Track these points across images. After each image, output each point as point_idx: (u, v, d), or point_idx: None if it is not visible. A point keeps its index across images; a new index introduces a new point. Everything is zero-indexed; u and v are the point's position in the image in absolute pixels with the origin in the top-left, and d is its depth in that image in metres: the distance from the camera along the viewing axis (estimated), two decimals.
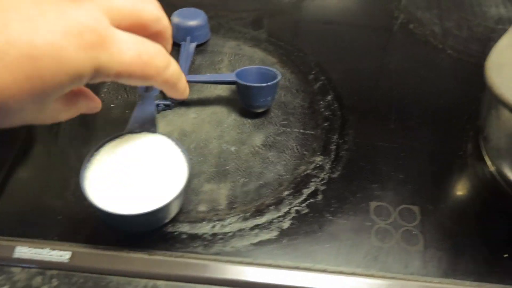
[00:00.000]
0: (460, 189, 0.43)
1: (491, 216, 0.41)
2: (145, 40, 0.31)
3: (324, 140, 0.45)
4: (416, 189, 0.42)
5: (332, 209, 0.40)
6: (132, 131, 0.39)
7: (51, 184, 0.40)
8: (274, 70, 0.45)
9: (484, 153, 0.44)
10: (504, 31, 0.37)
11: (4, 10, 0.26)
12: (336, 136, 0.45)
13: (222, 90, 0.48)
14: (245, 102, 0.46)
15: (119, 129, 0.39)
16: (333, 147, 0.44)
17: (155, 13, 0.33)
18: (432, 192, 0.42)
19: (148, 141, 0.39)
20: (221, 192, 0.40)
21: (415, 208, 0.41)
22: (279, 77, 0.44)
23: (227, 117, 0.46)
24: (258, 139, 0.44)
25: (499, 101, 0.32)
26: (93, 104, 0.36)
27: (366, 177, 0.43)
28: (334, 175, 0.42)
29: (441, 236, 0.39)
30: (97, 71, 0.28)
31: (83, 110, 0.35)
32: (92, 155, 0.37)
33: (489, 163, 0.43)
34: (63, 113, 0.33)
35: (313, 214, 0.40)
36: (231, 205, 0.40)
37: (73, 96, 0.33)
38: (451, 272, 0.37)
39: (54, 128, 0.44)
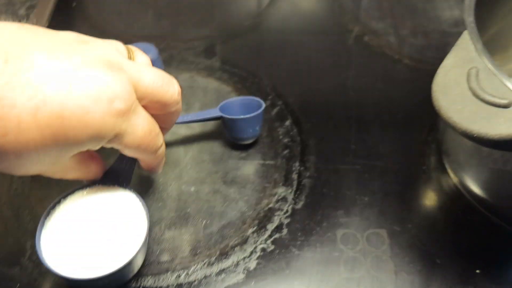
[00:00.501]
0: (426, 206, 0.43)
1: (459, 231, 0.41)
2: (153, 119, 0.34)
3: (285, 169, 0.44)
4: (382, 211, 0.41)
5: (298, 242, 0.39)
6: (104, 183, 0.37)
7: (5, 250, 0.39)
8: (257, 98, 0.44)
9: (446, 166, 0.43)
10: (460, 34, 0.36)
11: (48, 64, 0.28)
12: (297, 164, 0.44)
13: (176, 128, 0.47)
14: (232, 135, 0.44)
15: (74, 184, 0.37)
16: (294, 175, 0.43)
17: (175, 98, 0.35)
18: (399, 212, 0.41)
19: (106, 196, 0.37)
20: (184, 238, 0.39)
21: (383, 232, 0.40)
22: (263, 106, 0.43)
23: (185, 156, 0.45)
24: (217, 175, 0.43)
25: (448, 124, 0.31)
26: (100, 171, 0.37)
27: (330, 204, 0.42)
28: (298, 206, 0.41)
29: (411, 258, 0.39)
30: (116, 137, 0.31)
31: (91, 175, 0.36)
32: (47, 214, 0.36)
33: (452, 175, 0.43)
34: (73, 172, 0.34)
35: (279, 250, 0.39)
36: (195, 251, 0.39)
37: (87, 158, 0.36)
38: None
39: (5, 185, 0.43)
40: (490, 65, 0.31)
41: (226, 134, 0.45)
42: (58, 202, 0.36)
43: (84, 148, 0.31)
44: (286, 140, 0.46)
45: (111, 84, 0.30)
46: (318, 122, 0.48)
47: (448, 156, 0.41)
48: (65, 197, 0.37)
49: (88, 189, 0.37)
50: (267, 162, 0.44)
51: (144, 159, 0.36)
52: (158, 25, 0.58)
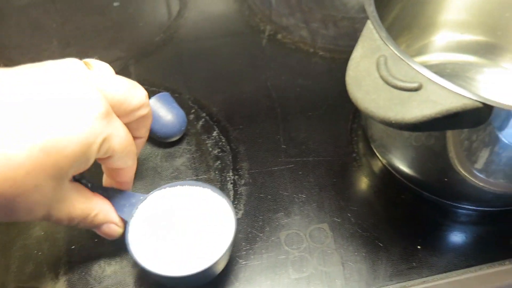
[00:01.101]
0: (362, 192, 0.44)
1: (396, 211, 0.42)
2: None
3: (220, 181, 0.43)
4: (320, 206, 0.42)
5: (244, 253, 0.39)
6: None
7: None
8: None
9: (375, 150, 0.45)
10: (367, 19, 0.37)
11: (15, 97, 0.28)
12: (230, 173, 0.44)
13: None
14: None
15: None
16: (230, 186, 0.43)
17: (144, 100, 0.35)
18: (337, 204, 0.42)
19: (187, 194, 0.37)
20: (126, 271, 0.38)
21: (325, 226, 0.41)
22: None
23: None
24: None
25: (366, 115, 0.32)
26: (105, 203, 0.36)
27: (269, 208, 0.42)
28: (238, 216, 0.41)
29: (355, 246, 0.39)
30: (105, 141, 0.31)
31: (97, 208, 0.35)
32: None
33: (381, 158, 0.44)
34: (78, 205, 0.33)
35: (226, 266, 0.38)
36: (140, 282, 0.37)
37: (87, 191, 0.35)
38: (372, 281, 0.38)
39: None
40: (396, 51, 0.32)
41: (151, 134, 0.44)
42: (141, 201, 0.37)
43: (79, 166, 0.31)
44: (216, 151, 0.45)
45: (84, 93, 0.30)
46: (245, 127, 0.48)
47: (374, 141, 0.43)
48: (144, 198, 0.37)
49: (168, 188, 0.37)
50: (200, 177, 0.44)
51: (129, 166, 0.36)
52: (65, 54, 0.55)
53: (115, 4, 0.60)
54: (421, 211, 0.42)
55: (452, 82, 0.48)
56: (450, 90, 0.30)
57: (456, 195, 0.41)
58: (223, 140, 0.46)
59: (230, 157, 0.45)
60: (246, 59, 0.54)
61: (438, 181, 0.40)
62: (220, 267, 0.36)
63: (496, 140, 0.33)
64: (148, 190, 0.42)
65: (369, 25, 0.34)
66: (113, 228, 0.36)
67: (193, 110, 0.48)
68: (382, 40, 0.33)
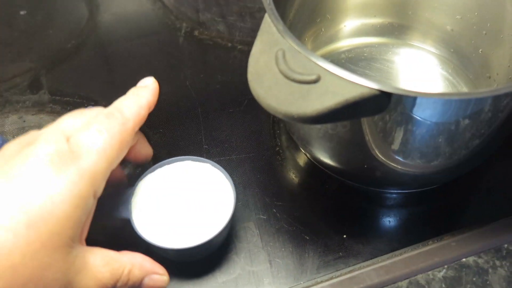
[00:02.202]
0: (287, 186, 0.43)
1: (321, 202, 0.42)
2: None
3: None
4: (246, 204, 0.41)
5: None
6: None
7: None
8: None
9: (297, 142, 0.44)
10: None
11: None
12: None
13: None
14: None
15: None
16: None
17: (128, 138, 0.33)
18: (262, 201, 0.41)
19: (187, 169, 0.38)
20: None
21: (250, 225, 0.40)
22: None
23: None
24: None
25: (269, 111, 0.31)
26: None
27: None
28: None
29: (282, 242, 0.39)
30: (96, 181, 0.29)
31: (131, 271, 0.32)
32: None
33: (303, 150, 0.44)
34: (104, 269, 0.30)
35: None
36: None
37: (114, 252, 0.32)
38: (299, 276, 0.37)
39: None
40: (293, 43, 0.31)
41: None
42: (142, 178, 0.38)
43: (81, 220, 0.28)
44: None
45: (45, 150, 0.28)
46: (166, 130, 0.46)
47: (293, 134, 0.42)
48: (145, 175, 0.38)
49: (166, 166, 0.39)
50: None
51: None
52: None
53: (22, 12, 0.56)
54: (346, 200, 0.42)
55: (370, 65, 0.49)
56: (347, 80, 0.29)
57: (377, 181, 0.41)
58: None
59: (151, 162, 0.44)
60: (163, 59, 0.52)
61: (358, 169, 0.40)
62: (221, 239, 0.38)
63: (408, 118, 0.33)
64: None
65: (266, 18, 0.34)
66: (156, 279, 0.32)
67: None
68: (280, 33, 0.32)
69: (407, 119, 0.33)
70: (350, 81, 0.30)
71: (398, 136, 0.35)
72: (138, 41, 0.54)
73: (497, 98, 0.32)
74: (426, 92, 0.30)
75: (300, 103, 0.30)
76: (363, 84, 0.29)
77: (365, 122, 0.34)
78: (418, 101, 0.31)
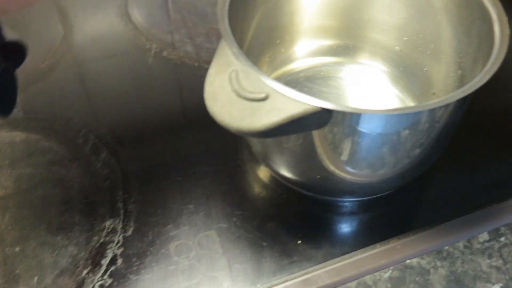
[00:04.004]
0: (246, 196, 0.46)
1: (278, 210, 0.45)
2: None
3: (110, 201, 0.44)
4: (208, 214, 0.44)
5: (135, 268, 0.40)
6: None
7: None
8: None
9: (256, 155, 0.47)
10: None
11: None
12: (120, 192, 0.45)
13: None
14: None
15: None
16: (120, 204, 0.44)
17: None
18: (223, 210, 0.44)
19: None
20: None
21: (212, 233, 0.43)
22: None
23: (2, 218, 0.43)
24: (42, 227, 0.43)
25: (223, 127, 0.34)
26: None
27: (159, 222, 0.43)
28: (128, 233, 0.42)
29: (241, 249, 0.42)
30: None
31: None
32: None
33: (262, 162, 0.47)
34: None
35: (117, 282, 0.40)
36: None
37: None
38: (257, 279, 0.40)
39: None
40: (245, 65, 0.35)
41: None
42: None
43: None
44: (105, 172, 0.46)
45: None
46: (135, 146, 0.49)
47: (251, 147, 0.45)
48: None
49: None
50: (91, 199, 0.44)
51: None
52: None
53: None
54: (302, 209, 0.45)
55: (327, 83, 0.53)
56: (291, 97, 0.33)
57: (330, 190, 0.44)
58: (113, 160, 0.47)
59: (120, 177, 0.46)
60: (133, 79, 0.55)
61: (312, 179, 0.43)
62: None
63: (353, 131, 0.37)
64: (37, 217, 0.43)
65: (223, 41, 0.37)
66: None
67: (81, 134, 0.49)
68: (234, 55, 0.36)
69: (353, 132, 0.36)
70: (295, 99, 0.33)
71: (346, 147, 0.38)
72: (110, 61, 0.57)
73: (432, 111, 0.36)
74: (360, 108, 0.34)
75: (250, 119, 0.33)
76: (306, 102, 0.33)
77: (316, 136, 0.38)
78: (357, 116, 0.35)
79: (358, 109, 0.35)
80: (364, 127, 0.36)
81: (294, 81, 0.52)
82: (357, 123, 0.35)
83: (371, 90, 0.51)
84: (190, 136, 0.50)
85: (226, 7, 0.39)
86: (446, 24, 0.46)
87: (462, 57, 0.44)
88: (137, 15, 0.62)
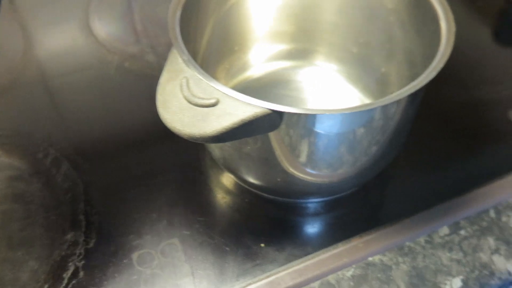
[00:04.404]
0: (209, 202, 0.46)
1: (241, 215, 0.45)
2: None
3: (71, 213, 0.44)
4: (170, 222, 0.44)
5: (97, 280, 0.40)
6: None
7: None
8: None
9: (217, 162, 0.48)
10: None
11: None
12: (82, 205, 0.45)
13: None
14: None
15: None
16: (81, 217, 0.44)
17: None
18: (186, 218, 0.44)
19: None
20: None
21: (175, 240, 0.43)
22: None
23: None
24: (3, 243, 0.42)
25: (175, 133, 0.34)
26: None
27: (121, 232, 0.43)
28: (90, 245, 0.42)
29: (204, 255, 0.42)
30: None
31: None
32: None
33: (223, 168, 0.47)
34: None
35: None
36: None
37: None
38: (220, 284, 0.40)
39: None
40: (195, 71, 0.35)
41: None
42: None
43: None
44: (66, 185, 0.46)
45: None
46: (97, 159, 0.49)
47: (210, 153, 0.45)
48: None
49: None
50: (52, 213, 0.44)
51: None
52: None
53: None
54: (264, 212, 0.45)
55: (287, 86, 0.53)
56: (241, 101, 0.33)
57: (291, 193, 0.45)
58: (74, 173, 0.47)
59: (82, 189, 0.46)
60: (96, 91, 0.55)
61: (272, 183, 0.43)
62: None
63: (308, 132, 0.37)
64: (3, 227, 0.43)
65: (173, 49, 0.37)
66: None
67: (42, 148, 0.49)
68: (184, 62, 0.36)
69: (308, 133, 0.37)
70: (245, 102, 0.33)
71: (304, 149, 0.39)
72: (72, 75, 0.57)
73: (384, 108, 0.36)
74: (310, 109, 0.35)
75: (201, 125, 0.33)
76: (256, 105, 0.33)
77: (273, 138, 0.38)
78: (311, 117, 0.35)
79: (308, 109, 0.35)
80: (318, 127, 0.36)
81: (254, 87, 0.52)
82: (312, 124, 0.36)
83: (331, 92, 0.52)
84: (153, 145, 0.50)
85: (178, 15, 0.40)
86: (398, 24, 0.47)
87: (415, 56, 0.45)
88: (99, 28, 0.62)
